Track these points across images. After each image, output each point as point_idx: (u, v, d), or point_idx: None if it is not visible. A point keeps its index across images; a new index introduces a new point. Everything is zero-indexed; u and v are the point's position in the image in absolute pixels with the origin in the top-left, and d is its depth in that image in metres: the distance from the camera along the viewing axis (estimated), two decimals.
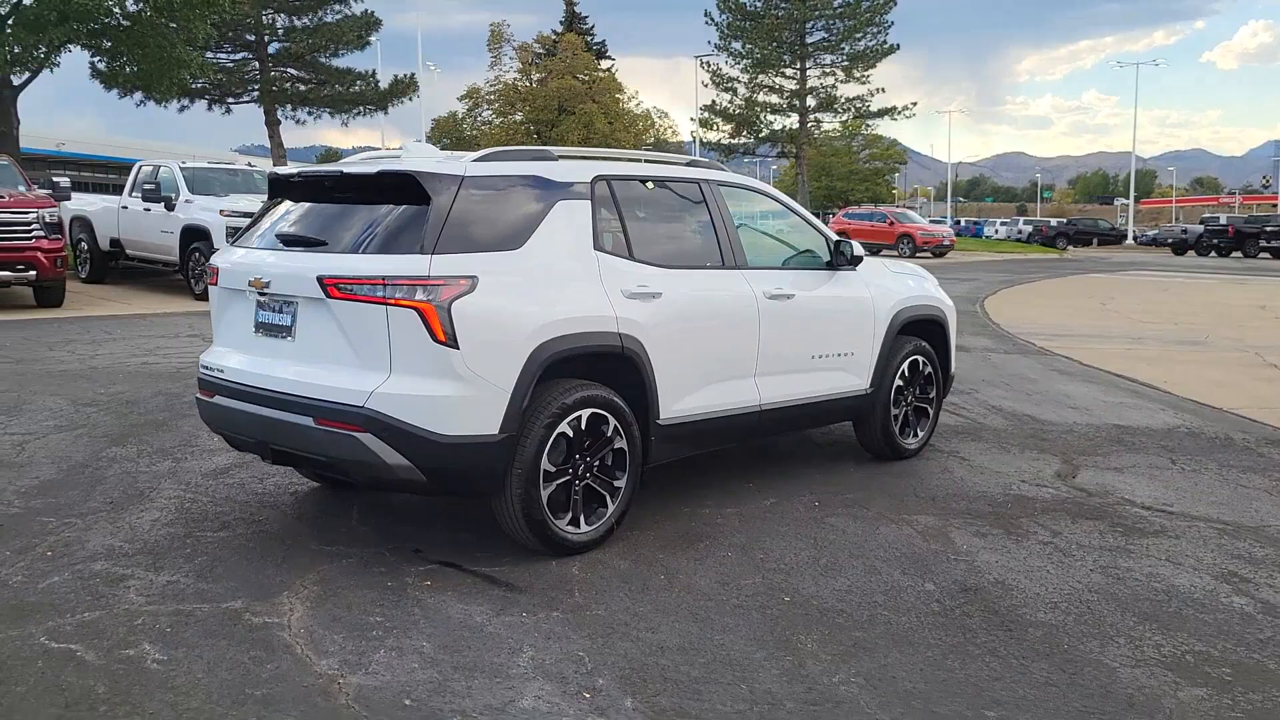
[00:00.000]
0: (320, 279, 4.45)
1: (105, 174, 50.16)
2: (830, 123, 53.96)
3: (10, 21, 27.59)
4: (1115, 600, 4.42)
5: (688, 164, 5.87)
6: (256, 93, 38.76)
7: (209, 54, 39.08)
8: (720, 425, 5.52)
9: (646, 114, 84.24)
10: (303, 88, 39.49)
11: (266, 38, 38.28)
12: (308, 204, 4.97)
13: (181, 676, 3.56)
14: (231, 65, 38.76)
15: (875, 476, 6.35)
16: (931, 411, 6.94)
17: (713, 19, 49.44)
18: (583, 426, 4.77)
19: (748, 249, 5.90)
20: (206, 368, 5.09)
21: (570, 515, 4.78)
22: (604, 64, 71.71)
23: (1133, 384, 10.18)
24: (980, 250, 48.69)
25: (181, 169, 17.67)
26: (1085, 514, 5.65)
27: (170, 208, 16.92)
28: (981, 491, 6.06)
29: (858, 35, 48.88)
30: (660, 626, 4.06)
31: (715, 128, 51.67)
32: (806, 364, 5.99)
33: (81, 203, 20.29)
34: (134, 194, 18.26)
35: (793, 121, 51.58)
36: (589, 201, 5.00)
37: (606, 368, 4.93)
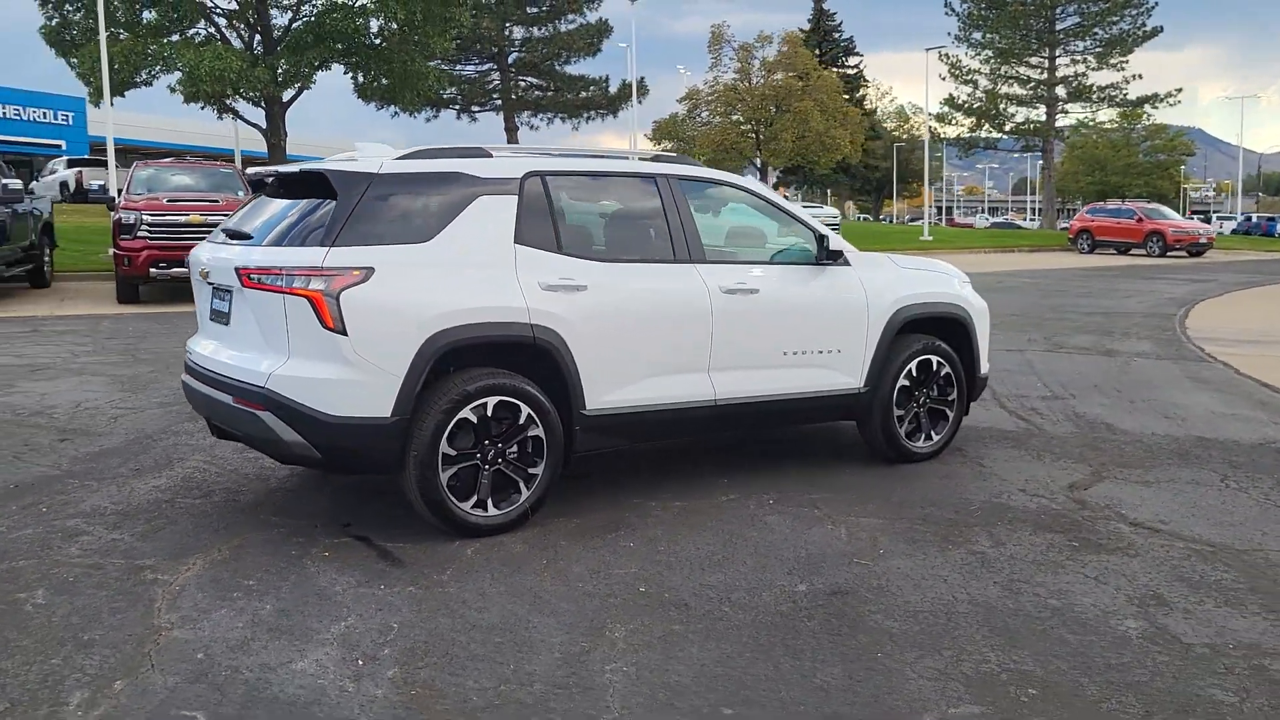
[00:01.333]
0: (237, 269, 4.87)
1: None
2: (1101, 114, 50.75)
3: (280, 46, 30.59)
4: (987, 614, 4.16)
5: (652, 159, 5.90)
6: (499, 101, 40.89)
7: (458, 66, 41.73)
8: (664, 418, 5.55)
9: (899, 110, 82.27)
10: (539, 95, 41.34)
11: (507, 49, 40.33)
12: (262, 201, 5.41)
13: (41, 619, 4.04)
14: (474, 76, 41.10)
15: (866, 478, 6.15)
16: (951, 414, 6.62)
17: (953, 9, 47.59)
18: (489, 413, 4.95)
19: (717, 244, 5.89)
20: (186, 350, 5.64)
21: (476, 498, 4.97)
22: (851, 60, 70.88)
23: (1275, 395, 9.20)
24: (1249, 249, 44.38)
25: None
26: (1054, 527, 5.28)
27: None
28: (962, 498, 5.76)
29: (1113, 19, 45.67)
30: (492, 607, 4.20)
31: (954, 122, 49.80)
32: (777, 360, 5.89)
33: None
34: None
35: (1039, 113, 48.88)
36: (515, 197, 5.18)
37: (523, 357, 5.09)
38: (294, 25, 31.29)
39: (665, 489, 5.85)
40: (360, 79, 32.68)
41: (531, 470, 5.12)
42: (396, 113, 37.48)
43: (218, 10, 31.74)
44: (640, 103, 41.33)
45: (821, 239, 6.07)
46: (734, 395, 5.73)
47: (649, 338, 5.43)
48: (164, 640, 3.85)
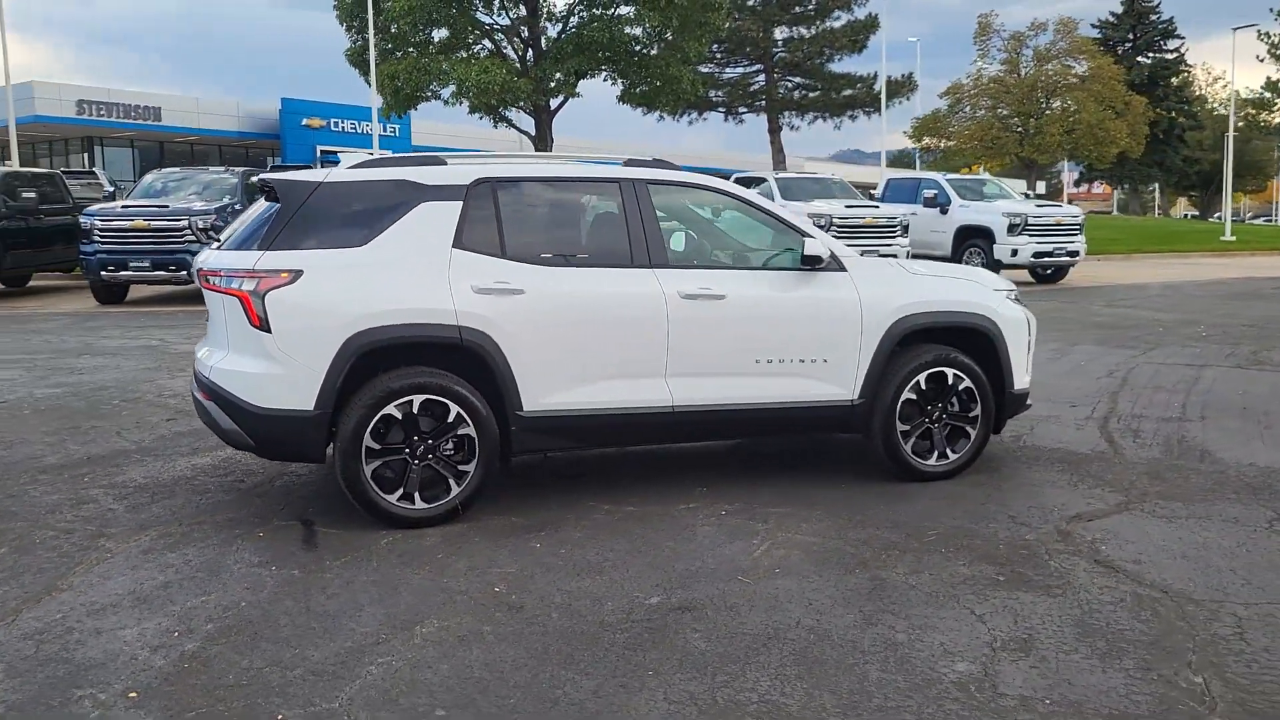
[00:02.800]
0: (198, 270, 5.36)
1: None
2: None
3: (543, 57, 32.30)
4: (813, 643, 3.92)
5: (625, 163, 5.88)
6: (764, 102, 41.01)
7: (725, 70, 42.24)
8: (613, 422, 5.55)
9: (1234, 95, 74.71)
10: (809, 94, 41.06)
11: (770, 49, 40.35)
12: (250, 208, 5.88)
13: None
14: (735, 78, 41.43)
15: (857, 495, 5.83)
16: (973, 432, 6.15)
17: None
18: (414, 410, 5.17)
19: (687, 248, 5.83)
20: None
21: (402, 491, 5.20)
22: (1170, 44, 65.18)
23: None
24: None
25: (776, 179, 20.72)
26: (999, 559, 4.83)
27: None
28: (933, 521, 5.37)
29: None
30: (343, 594, 4.42)
31: (1275, 108, 44.66)
32: (748, 367, 5.72)
33: None
34: None
35: None
36: (460, 203, 5.36)
37: (453, 358, 5.27)
38: (560, 37, 32.89)
39: (634, 493, 5.84)
40: (622, 85, 33.84)
41: (463, 467, 5.28)
42: (662, 117, 38.50)
43: (495, 27, 33.93)
44: (908, 99, 40.24)
45: (804, 244, 5.82)
46: (696, 402, 5.63)
47: (594, 341, 5.45)
48: (46, 601, 4.35)
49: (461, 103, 31.94)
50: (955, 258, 20.62)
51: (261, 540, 5.12)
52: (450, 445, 5.28)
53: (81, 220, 16.84)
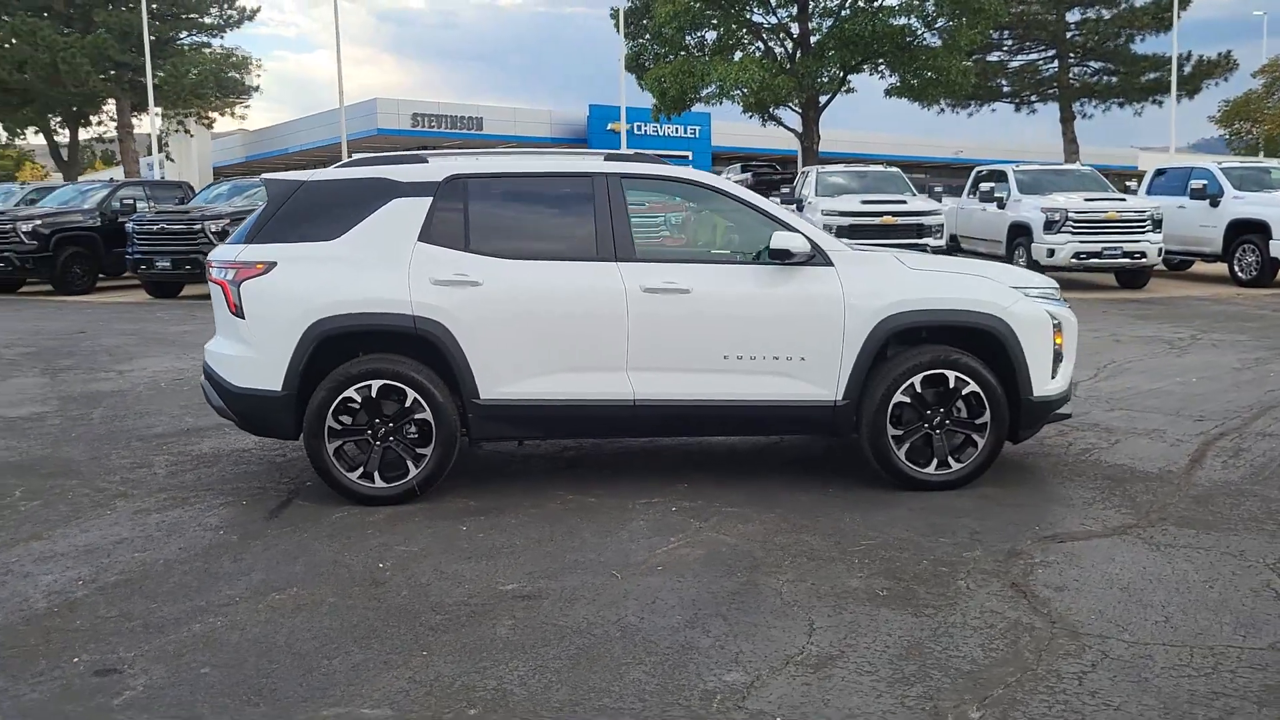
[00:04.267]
0: (205, 261, 5.95)
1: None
2: None
3: (805, 55, 32.02)
4: (612, 640, 3.86)
5: (605, 158, 5.87)
6: (1055, 90, 38.51)
7: (1016, 57, 40.04)
8: (572, 414, 5.60)
9: None
10: (1106, 80, 38.12)
11: (1063, 33, 37.76)
12: None
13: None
14: (1021, 66, 39.11)
15: (825, 500, 5.56)
16: (981, 440, 5.68)
17: None
18: (373, 395, 5.48)
19: (661, 242, 5.76)
20: None
21: (363, 470, 5.54)
22: None
23: None
24: None
25: (1015, 172, 19.51)
26: (907, 575, 4.48)
27: (1001, 206, 18.89)
28: (873, 533, 5.03)
29: None
30: (250, 559, 4.80)
31: None
32: (715, 364, 5.58)
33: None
34: (970, 195, 20.51)
35: None
36: (430, 199, 5.61)
37: (411, 346, 5.53)
38: (825, 32, 32.37)
39: (608, 485, 5.87)
40: (897, 78, 32.81)
41: (420, 450, 5.54)
42: (943, 109, 37.02)
43: (765, 27, 33.94)
44: (1225, 79, 36.21)
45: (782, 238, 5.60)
46: (658, 397, 5.57)
47: (550, 333, 5.52)
48: (17, 547, 5.01)
49: (723, 102, 32.22)
50: (1226, 256, 18.58)
51: (241, 508, 5.61)
52: (414, 429, 5.54)
53: None
